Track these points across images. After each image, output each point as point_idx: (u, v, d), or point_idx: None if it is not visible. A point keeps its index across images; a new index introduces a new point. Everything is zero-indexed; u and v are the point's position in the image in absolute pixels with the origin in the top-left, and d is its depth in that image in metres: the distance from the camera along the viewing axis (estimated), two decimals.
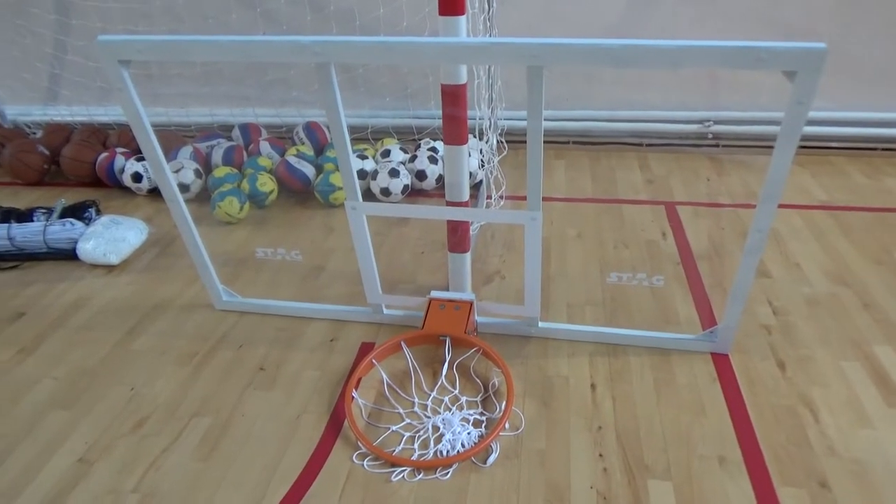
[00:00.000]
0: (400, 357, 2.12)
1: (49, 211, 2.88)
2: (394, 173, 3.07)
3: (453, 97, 2.03)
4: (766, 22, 3.13)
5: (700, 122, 3.47)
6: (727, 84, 3.38)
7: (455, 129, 2.08)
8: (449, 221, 2.25)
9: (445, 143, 2.10)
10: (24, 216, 2.86)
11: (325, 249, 2.76)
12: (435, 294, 2.18)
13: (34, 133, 3.90)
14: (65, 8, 3.62)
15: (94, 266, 2.74)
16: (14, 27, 3.63)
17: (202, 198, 3.27)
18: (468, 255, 2.31)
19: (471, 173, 3.16)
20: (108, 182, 3.38)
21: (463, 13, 1.91)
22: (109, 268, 2.72)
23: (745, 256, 1.84)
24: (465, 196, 2.19)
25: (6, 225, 2.80)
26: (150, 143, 1.95)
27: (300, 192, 3.23)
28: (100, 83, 3.73)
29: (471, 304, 2.14)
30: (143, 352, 2.22)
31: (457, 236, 2.28)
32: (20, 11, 3.60)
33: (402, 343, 2.10)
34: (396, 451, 1.78)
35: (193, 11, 3.47)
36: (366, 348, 2.19)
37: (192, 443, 1.85)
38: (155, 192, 3.33)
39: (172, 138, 3.53)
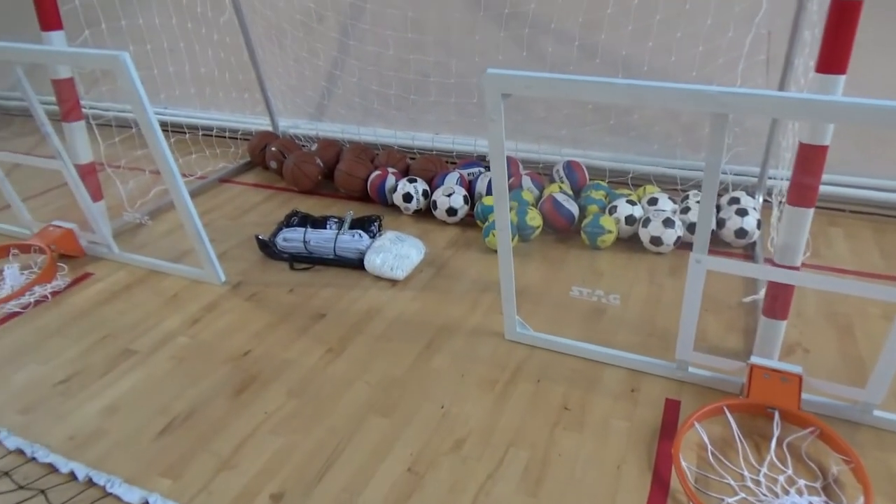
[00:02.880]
0: (715, 422, 2.01)
1: (340, 221, 3.09)
2: (668, 223, 2.99)
3: (812, 158, 1.92)
4: None
5: None
6: None
7: (805, 190, 1.96)
8: (771, 284, 2.12)
9: (790, 202, 1.99)
10: (319, 223, 3.08)
11: (597, 293, 2.72)
12: (756, 360, 2.06)
13: (305, 145, 4.25)
14: (347, 30, 3.92)
15: (378, 278, 2.89)
16: (311, 49, 4.00)
17: (464, 223, 3.38)
18: (784, 324, 2.17)
19: (747, 231, 3.02)
20: (377, 199, 3.59)
21: (845, 72, 1.81)
22: (393, 282, 2.85)
23: None
24: (799, 260, 2.06)
25: (303, 229, 3.04)
26: (503, 171, 2.02)
27: (562, 231, 3.23)
28: (378, 105, 3.99)
29: (800, 377, 1.99)
30: (444, 371, 2.28)
31: (777, 302, 2.14)
32: (314, 32, 3.95)
33: (725, 408, 1.99)
34: None
35: (461, 46, 3.62)
36: (671, 405, 2.10)
37: (515, 474, 1.85)
38: (419, 214, 3.48)
39: (437, 163, 3.69)
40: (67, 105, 2.99)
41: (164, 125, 4.46)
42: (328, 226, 3.07)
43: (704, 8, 3.00)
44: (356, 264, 2.97)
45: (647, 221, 3.04)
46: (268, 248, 3.08)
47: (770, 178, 3.37)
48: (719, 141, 1.70)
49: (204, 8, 3.89)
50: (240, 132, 4.47)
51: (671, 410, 2.08)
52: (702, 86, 1.63)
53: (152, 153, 2.48)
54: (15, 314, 2.69)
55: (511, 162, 3.67)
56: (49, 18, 2.83)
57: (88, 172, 3.11)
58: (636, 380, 2.22)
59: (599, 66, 3.29)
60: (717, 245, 3.10)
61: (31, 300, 2.77)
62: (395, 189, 3.49)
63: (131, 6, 3.35)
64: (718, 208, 3.21)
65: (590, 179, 3.57)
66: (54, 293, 2.83)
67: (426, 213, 3.48)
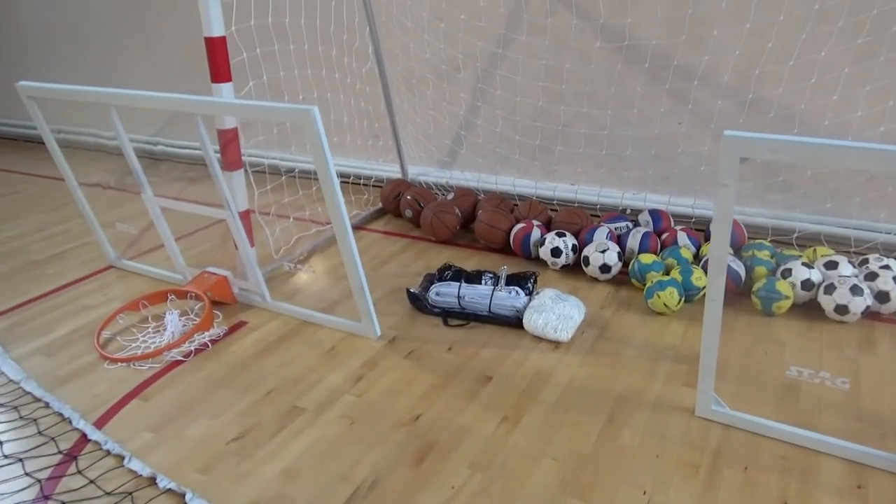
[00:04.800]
0: None
1: (495, 276, 2.98)
2: (856, 291, 2.73)
3: None
4: None
5: None
6: None
7: None
8: None
9: None
10: (474, 278, 2.99)
11: (781, 365, 2.49)
12: None
13: (438, 193, 4.21)
14: (495, 80, 3.87)
15: (538, 339, 2.75)
16: (451, 97, 3.98)
17: (615, 281, 3.22)
18: None
19: None
20: (520, 252, 3.48)
21: None
22: (555, 344, 2.71)
23: None
24: None
25: (457, 284, 2.95)
26: (726, 241, 1.87)
27: (727, 293, 3.00)
28: (519, 156, 3.91)
29: None
30: (635, 449, 2.10)
31: None
32: (458, 82, 3.93)
33: None
34: None
35: (617, 98, 3.51)
36: None
37: None
38: (566, 269, 3.35)
39: (582, 216, 3.56)
40: (230, 154, 3.05)
41: (307, 173, 4.54)
42: (483, 281, 2.97)
43: None
44: (512, 322, 2.84)
45: (830, 288, 2.79)
46: (419, 301, 3.00)
47: None
48: None
49: (350, 59, 3.95)
50: (373, 179, 4.49)
51: None
52: None
53: (327, 205, 2.45)
54: (178, 362, 2.69)
55: (662, 215, 3.50)
56: (220, 71, 2.90)
57: (243, 219, 3.14)
58: (860, 474, 1.97)
59: (772, 122, 3.10)
60: None
61: (192, 348, 2.77)
62: (541, 242, 3.37)
63: (289, 58, 3.42)
64: None
65: (748, 237, 3.35)
66: (213, 341, 2.82)
67: (573, 268, 3.34)
